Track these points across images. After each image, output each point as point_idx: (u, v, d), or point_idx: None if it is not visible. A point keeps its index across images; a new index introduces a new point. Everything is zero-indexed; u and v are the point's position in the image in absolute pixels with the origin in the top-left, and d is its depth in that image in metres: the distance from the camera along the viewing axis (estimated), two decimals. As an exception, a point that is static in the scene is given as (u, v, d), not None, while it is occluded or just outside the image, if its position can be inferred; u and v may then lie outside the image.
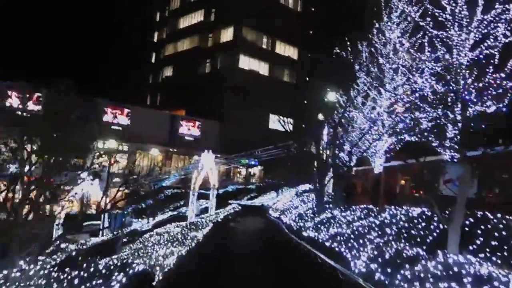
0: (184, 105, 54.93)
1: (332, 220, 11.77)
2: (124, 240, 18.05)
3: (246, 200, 33.11)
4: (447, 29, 10.10)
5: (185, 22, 64.19)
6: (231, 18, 55.59)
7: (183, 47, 63.93)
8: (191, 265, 6.98)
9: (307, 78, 56.80)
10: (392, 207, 14.87)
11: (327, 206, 14.40)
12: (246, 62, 56.76)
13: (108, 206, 22.77)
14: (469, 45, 9.96)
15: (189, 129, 47.69)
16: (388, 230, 8.37)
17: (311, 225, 12.54)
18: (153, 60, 69.86)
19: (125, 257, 9.46)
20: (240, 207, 26.26)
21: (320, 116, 22.19)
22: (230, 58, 55.86)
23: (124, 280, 4.50)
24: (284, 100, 53.73)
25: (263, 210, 23.63)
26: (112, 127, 41.42)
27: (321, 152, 15.88)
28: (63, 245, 16.77)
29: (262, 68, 58.87)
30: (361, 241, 8.11)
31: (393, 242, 7.42)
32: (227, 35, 57.21)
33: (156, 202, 31.50)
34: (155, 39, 70.52)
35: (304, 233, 11.49)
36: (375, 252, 6.93)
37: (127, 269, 4.74)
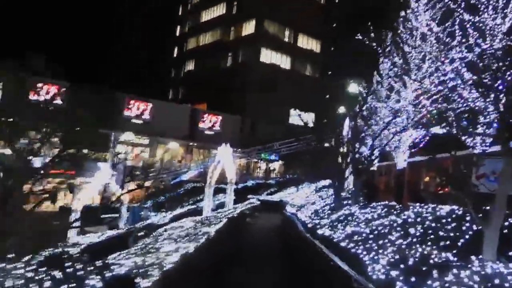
0: (206, 100, 55.02)
1: (349, 218, 11.05)
2: (141, 233, 18.00)
3: (265, 195, 32.64)
4: (480, 13, 9.21)
5: (207, 16, 64.10)
6: (253, 11, 54.98)
7: (205, 41, 63.93)
8: (193, 265, 6.57)
9: (329, 72, 55.68)
10: (417, 204, 14.02)
11: (346, 202, 13.67)
12: (267, 56, 56.07)
13: (126, 199, 22.97)
14: (504, 30, 9.05)
15: (209, 123, 47.63)
16: (412, 231, 7.52)
17: (327, 222, 11.85)
18: (175, 55, 70.36)
19: (134, 251, 9.20)
20: (258, 202, 25.82)
21: (342, 109, 21.31)
22: (251, 51, 55.33)
23: (100, 284, 4.15)
24: (305, 94, 53.00)
25: (281, 206, 23.06)
26: (133, 121, 41.89)
27: (341, 146, 15.13)
28: (78, 239, 16.93)
29: (284, 61, 58.00)
30: (380, 242, 7.36)
31: (417, 245, 6.63)
32: (249, 28, 56.65)
33: (174, 196, 31.58)
34: (177, 33, 70.93)
35: (319, 231, 10.82)
36: (397, 256, 6.19)
37: (105, 272, 4.39)
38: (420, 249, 6.18)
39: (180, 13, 70.71)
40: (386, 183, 23.05)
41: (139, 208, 24.51)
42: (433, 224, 7.50)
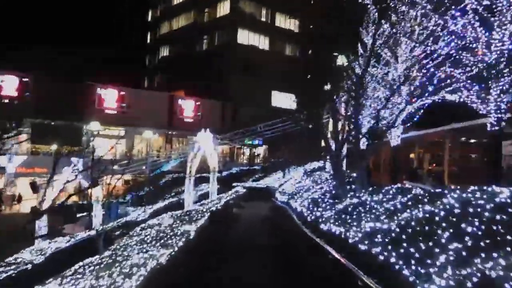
0: (184, 87, 52.79)
1: (361, 208, 8.58)
2: (117, 233, 16.36)
3: (251, 182, 31.30)
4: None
5: (179, -2, 61.07)
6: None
7: (178, 24, 61.07)
8: (165, 279, 5.12)
9: (310, 51, 54.02)
10: (418, 184, 12.78)
11: (350, 187, 11.59)
12: (245, 37, 53.90)
13: (100, 195, 21.13)
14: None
15: (189, 110, 45.64)
16: (468, 228, 4.51)
17: (331, 214, 9.56)
18: (148, 41, 67.23)
19: (95, 264, 7.65)
20: (244, 190, 24.45)
21: (328, 87, 19.89)
22: (228, 33, 53.06)
23: None
24: (287, 75, 51.36)
25: (269, 193, 21.70)
26: (107, 111, 39.47)
27: (334, 123, 13.71)
28: (45, 244, 15.18)
29: (262, 42, 55.98)
30: (423, 246, 4.86)
31: (484, 252, 3.97)
32: (224, 8, 54.15)
33: (155, 189, 29.85)
34: (149, 19, 67.66)
35: (323, 226, 8.96)
36: (460, 271, 3.91)
37: None
38: (500, 259, 3.70)
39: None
40: (376, 162, 21.97)
41: (116, 204, 22.73)
42: (499, 217, 4.37)
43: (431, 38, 10.04)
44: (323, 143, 29.06)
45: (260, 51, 54.70)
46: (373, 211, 7.81)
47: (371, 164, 19.03)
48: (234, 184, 29.09)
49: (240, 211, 17.56)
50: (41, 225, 17.20)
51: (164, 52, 63.99)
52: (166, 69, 61.04)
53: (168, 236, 8.73)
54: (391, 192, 8.40)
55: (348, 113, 13.39)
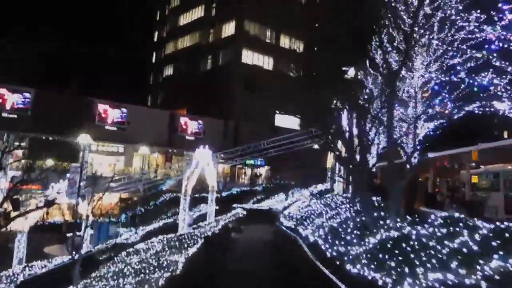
0: (187, 105, 52.18)
1: (407, 245, 6.13)
2: (103, 256, 14.95)
3: (251, 204, 29.84)
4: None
5: (185, 19, 61.48)
6: (233, 11, 52.66)
7: (183, 44, 61.27)
8: None
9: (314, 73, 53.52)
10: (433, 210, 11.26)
11: (378, 214, 9.24)
12: (249, 57, 53.65)
13: (90, 214, 19.75)
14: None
15: (190, 128, 44.73)
16: None
17: (361, 251, 7.09)
18: (153, 60, 67.37)
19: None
20: (245, 212, 23.00)
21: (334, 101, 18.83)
22: (232, 53, 52.88)
23: None
24: (290, 95, 50.64)
25: (271, 216, 20.19)
26: (107, 127, 38.58)
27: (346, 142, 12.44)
28: (18, 268, 13.77)
29: (266, 63, 55.68)
30: None
31: None
32: (228, 29, 54.24)
33: (152, 208, 28.42)
34: (155, 38, 68.07)
35: (351, 268, 6.55)
36: None
37: None
38: None
39: (158, 18, 67.90)
40: (381, 183, 20.50)
41: (107, 224, 21.28)
42: None
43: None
44: (328, 164, 27.95)
45: (264, 71, 54.31)
46: (431, 252, 5.60)
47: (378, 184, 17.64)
48: (234, 205, 27.70)
49: (239, 236, 16.09)
50: (21, 246, 15.81)
51: (168, 71, 63.99)
52: (170, 88, 60.75)
53: (152, 268, 7.41)
54: (437, 223, 6.64)
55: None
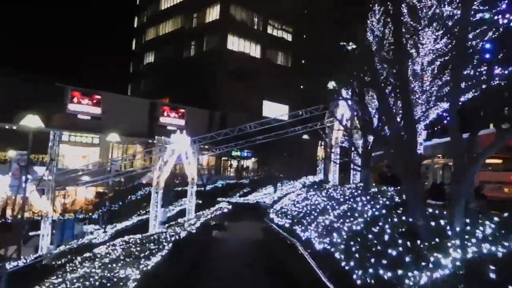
0: (170, 94, 49.46)
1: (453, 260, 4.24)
2: (63, 260, 12.56)
3: (238, 197, 27.73)
4: None
5: (167, 3, 58.26)
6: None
7: (165, 30, 58.09)
8: None
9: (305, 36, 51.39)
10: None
11: (399, 211, 6.73)
12: (235, 43, 51.07)
13: (50, 210, 17.24)
14: None
15: (172, 118, 42.12)
16: None
17: (425, 282, 4.37)
18: (133, 47, 63.94)
19: None
20: (230, 207, 20.88)
21: (332, 84, 16.76)
22: (217, 38, 50.18)
23: None
24: (279, 83, 48.45)
25: (260, 211, 18.06)
26: (80, 116, 35.67)
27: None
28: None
29: (253, 50, 53.22)
30: None
31: None
32: (213, 14, 51.43)
33: (128, 203, 25.97)
34: (135, 24, 64.57)
35: None
36: None
37: None
38: None
39: (138, 2, 64.35)
40: (383, 172, 18.59)
41: (72, 221, 18.76)
42: None
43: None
44: (319, 153, 26.00)
45: (251, 58, 51.90)
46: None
47: (378, 175, 15.64)
48: (219, 199, 25.55)
49: (222, 234, 13.85)
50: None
51: (150, 58, 60.80)
52: (151, 76, 57.73)
53: (98, 285, 5.19)
54: (486, 226, 4.56)
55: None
